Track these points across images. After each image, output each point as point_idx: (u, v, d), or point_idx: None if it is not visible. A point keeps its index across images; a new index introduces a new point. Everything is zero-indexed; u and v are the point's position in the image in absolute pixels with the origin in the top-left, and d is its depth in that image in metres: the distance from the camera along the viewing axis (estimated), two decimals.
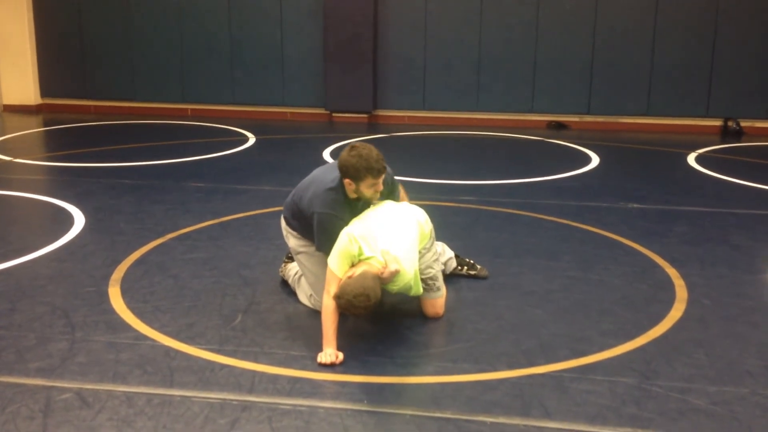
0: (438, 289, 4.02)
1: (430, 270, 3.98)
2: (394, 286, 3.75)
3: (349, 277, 3.58)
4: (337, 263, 3.67)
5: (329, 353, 3.55)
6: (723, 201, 6.54)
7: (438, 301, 4.03)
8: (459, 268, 4.60)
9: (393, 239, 3.71)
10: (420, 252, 3.90)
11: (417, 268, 3.80)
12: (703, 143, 9.25)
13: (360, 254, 3.66)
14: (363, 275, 3.56)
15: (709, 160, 8.28)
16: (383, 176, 3.86)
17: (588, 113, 10.31)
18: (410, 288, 3.79)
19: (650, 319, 4.08)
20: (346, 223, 3.81)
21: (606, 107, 10.23)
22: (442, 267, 4.36)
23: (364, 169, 3.76)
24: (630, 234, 5.52)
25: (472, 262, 4.65)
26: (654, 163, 8.26)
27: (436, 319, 4.04)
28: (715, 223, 5.85)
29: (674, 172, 7.81)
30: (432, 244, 4.06)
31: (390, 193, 4.14)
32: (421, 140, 9.60)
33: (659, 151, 8.89)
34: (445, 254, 4.54)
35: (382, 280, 3.61)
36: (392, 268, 3.61)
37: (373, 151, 3.80)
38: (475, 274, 4.61)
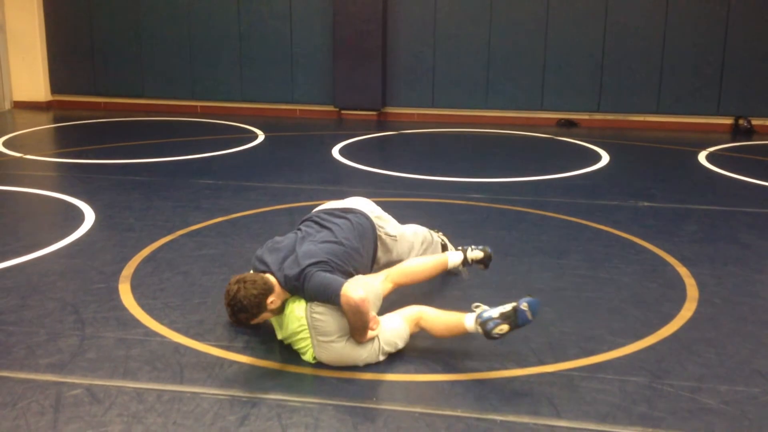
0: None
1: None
2: (282, 332, 3.63)
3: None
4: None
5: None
6: (734, 199, 6.51)
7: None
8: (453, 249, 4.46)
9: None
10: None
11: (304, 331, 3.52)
12: (713, 141, 9.21)
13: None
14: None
15: (719, 159, 8.24)
16: (243, 318, 3.47)
17: (598, 111, 10.28)
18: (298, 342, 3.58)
19: (661, 318, 4.06)
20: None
21: (616, 105, 10.20)
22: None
23: None
24: (640, 232, 5.50)
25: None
26: (664, 161, 8.23)
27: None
28: (726, 222, 5.82)
29: (685, 170, 7.78)
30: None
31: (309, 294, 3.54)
32: (429, 138, 9.59)
33: (670, 149, 8.85)
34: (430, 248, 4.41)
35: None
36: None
37: (228, 296, 3.44)
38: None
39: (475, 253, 4.12)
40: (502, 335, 3.44)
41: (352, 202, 4.07)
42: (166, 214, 5.87)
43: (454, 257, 4.09)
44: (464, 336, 3.71)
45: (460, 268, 4.12)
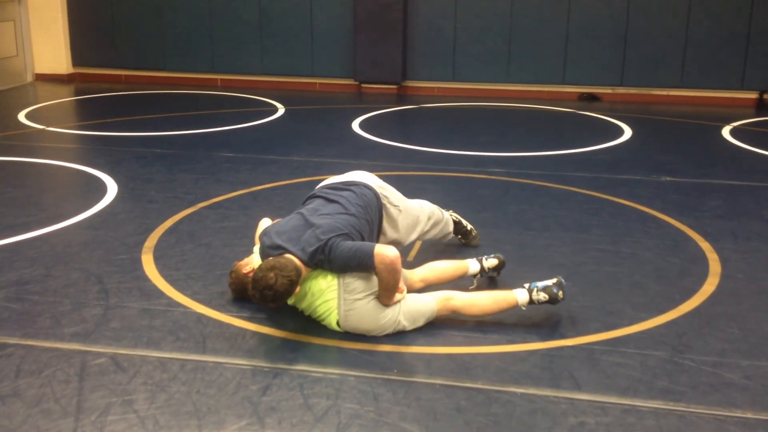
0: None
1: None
2: (305, 300, 3.64)
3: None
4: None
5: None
6: (757, 174, 6.44)
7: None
8: (456, 236, 4.65)
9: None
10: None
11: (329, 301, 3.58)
12: (738, 116, 9.10)
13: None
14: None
15: (744, 134, 8.14)
16: (273, 304, 3.47)
17: (621, 85, 10.16)
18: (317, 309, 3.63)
19: (682, 293, 4.04)
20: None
21: (639, 79, 10.08)
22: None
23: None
24: (663, 207, 5.46)
25: (469, 228, 4.67)
26: (688, 135, 8.14)
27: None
28: (750, 197, 5.76)
29: (708, 145, 7.70)
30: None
31: (333, 266, 3.56)
32: (450, 112, 9.54)
33: (693, 123, 8.75)
34: (440, 226, 4.47)
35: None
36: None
37: (263, 282, 3.37)
38: (465, 243, 4.67)
39: (490, 261, 4.17)
40: (560, 300, 3.72)
41: (353, 176, 4.08)
42: (188, 187, 5.90)
43: (473, 265, 4.15)
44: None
45: (478, 277, 4.15)
